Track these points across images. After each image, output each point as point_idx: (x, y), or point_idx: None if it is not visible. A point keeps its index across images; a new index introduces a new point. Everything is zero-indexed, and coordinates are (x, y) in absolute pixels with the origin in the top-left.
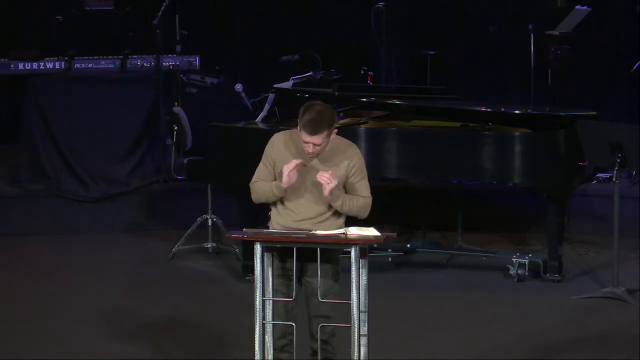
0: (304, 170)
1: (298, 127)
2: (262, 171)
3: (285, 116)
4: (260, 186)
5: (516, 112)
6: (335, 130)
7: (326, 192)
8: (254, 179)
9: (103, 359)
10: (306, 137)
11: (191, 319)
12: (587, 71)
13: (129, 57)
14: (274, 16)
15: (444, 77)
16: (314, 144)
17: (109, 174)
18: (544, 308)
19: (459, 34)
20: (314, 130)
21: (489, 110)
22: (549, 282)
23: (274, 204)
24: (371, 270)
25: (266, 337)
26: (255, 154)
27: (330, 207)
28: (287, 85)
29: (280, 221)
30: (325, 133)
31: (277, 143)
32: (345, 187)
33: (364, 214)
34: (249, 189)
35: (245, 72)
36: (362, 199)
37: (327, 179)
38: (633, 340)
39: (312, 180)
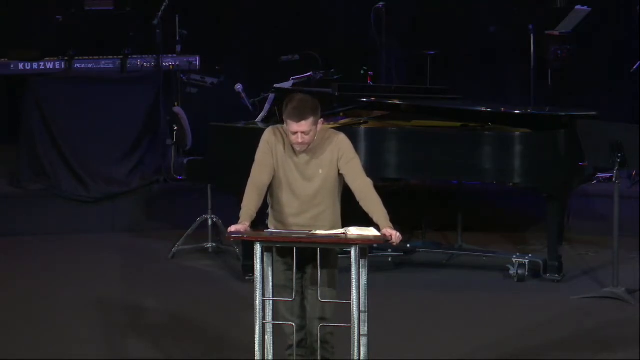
0: (293, 168)
1: (284, 121)
2: (260, 161)
3: None
4: (245, 197)
5: (516, 112)
6: (322, 120)
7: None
8: (250, 180)
9: (103, 359)
10: (293, 126)
11: (191, 319)
12: (587, 71)
13: (129, 57)
14: (274, 16)
15: (444, 77)
16: (302, 133)
17: (109, 174)
18: (543, 308)
19: (459, 34)
20: (299, 116)
21: (489, 110)
22: (549, 282)
23: (271, 204)
24: (371, 270)
25: (266, 337)
26: (255, 154)
27: (321, 207)
28: (287, 85)
29: (276, 220)
30: (311, 119)
31: (272, 134)
32: (340, 171)
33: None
34: None
35: (245, 72)
36: (370, 187)
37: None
38: (633, 340)
39: (301, 179)
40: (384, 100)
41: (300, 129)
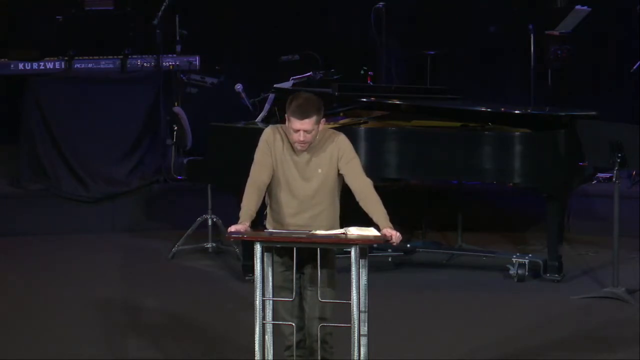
0: (292, 168)
1: (286, 119)
2: (259, 161)
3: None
4: (245, 196)
5: (516, 112)
6: (324, 121)
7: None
8: (249, 180)
9: (103, 359)
10: (296, 124)
11: (191, 319)
12: (587, 71)
13: (129, 57)
14: (274, 16)
15: (444, 77)
16: (305, 131)
17: (109, 174)
18: (543, 308)
19: (459, 34)
20: (303, 114)
21: (489, 110)
22: (549, 282)
23: (270, 204)
24: (371, 270)
25: (266, 337)
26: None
27: (319, 207)
28: (287, 85)
29: (274, 220)
30: (314, 118)
31: (271, 134)
32: (340, 171)
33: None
34: None
35: (245, 72)
36: (370, 187)
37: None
38: (633, 340)
39: (300, 179)
40: (384, 100)
41: (303, 127)
